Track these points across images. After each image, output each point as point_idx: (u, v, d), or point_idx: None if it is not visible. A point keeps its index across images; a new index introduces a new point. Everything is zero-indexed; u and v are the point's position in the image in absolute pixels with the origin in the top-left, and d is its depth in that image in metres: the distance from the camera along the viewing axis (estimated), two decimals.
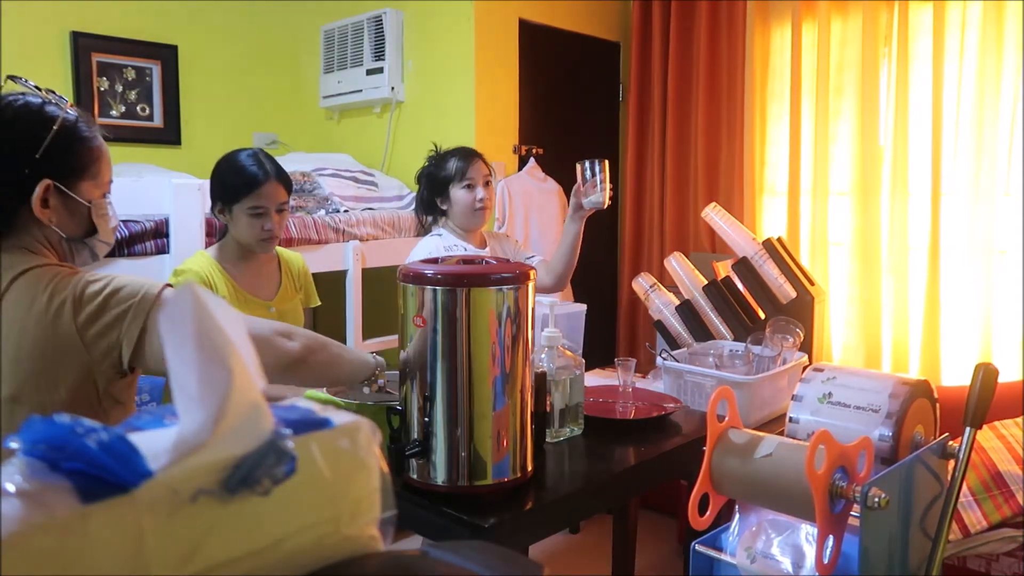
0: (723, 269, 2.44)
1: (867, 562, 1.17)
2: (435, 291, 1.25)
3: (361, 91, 3.39)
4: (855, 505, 1.16)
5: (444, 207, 2.44)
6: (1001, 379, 1.44)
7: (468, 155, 2.43)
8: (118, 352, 1.14)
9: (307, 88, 3.72)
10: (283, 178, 2.03)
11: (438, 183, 2.44)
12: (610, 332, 3.73)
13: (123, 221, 2.30)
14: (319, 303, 2.31)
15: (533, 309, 1.34)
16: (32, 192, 1.16)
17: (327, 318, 3.27)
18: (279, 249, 2.24)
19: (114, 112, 3.21)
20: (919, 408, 1.40)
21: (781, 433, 1.41)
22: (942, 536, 1.34)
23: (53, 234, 1.21)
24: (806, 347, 2.13)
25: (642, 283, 2.37)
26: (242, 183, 1.97)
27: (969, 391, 1.37)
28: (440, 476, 1.29)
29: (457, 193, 2.41)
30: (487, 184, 2.43)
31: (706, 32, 3.34)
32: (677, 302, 2.30)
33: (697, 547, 1.38)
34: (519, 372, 1.31)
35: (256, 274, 2.11)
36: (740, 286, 2.28)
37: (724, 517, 1.40)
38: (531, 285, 1.32)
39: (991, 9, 2.68)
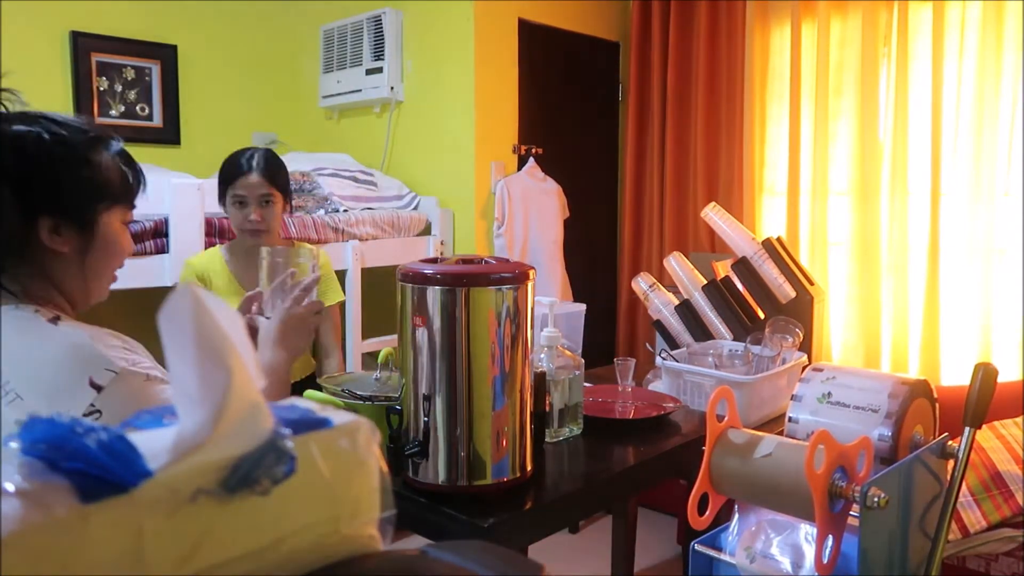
0: (722, 269, 2.44)
1: (866, 562, 1.17)
2: (434, 291, 1.25)
3: (360, 91, 3.39)
4: (854, 505, 1.16)
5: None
6: (1001, 379, 1.44)
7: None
8: None
9: (307, 88, 3.72)
10: (268, 172, 2.07)
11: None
12: (610, 332, 3.73)
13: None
14: (342, 298, 2.35)
15: (532, 309, 1.34)
16: None
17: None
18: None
19: (113, 112, 3.21)
20: (918, 408, 1.41)
21: (780, 433, 1.41)
22: (941, 536, 1.34)
23: None
24: (805, 347, 2.13)
25: (641, 283, 2.37)
26: (227, 173, 2.08)
27: (968, 391, 1.37)
28: (440, 476, 1.30)
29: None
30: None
31: (706, 32, 3.34)
32: (676, 302, 2.30)
33: (697, 547, 1.38)
34: (518, 372, 1.31)
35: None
36: (739, 286, 2.29)
37: (724, 517, 1.41)
38: (530, 285, 1.32)
39: (991, 9, 2.68)
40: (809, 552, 1.28)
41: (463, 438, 1.28)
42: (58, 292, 1.06)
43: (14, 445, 0.38)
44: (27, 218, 0.98)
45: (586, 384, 1.88)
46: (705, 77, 3.35)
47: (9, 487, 0.36)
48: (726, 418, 1.31)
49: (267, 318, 1.36)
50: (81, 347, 0.96)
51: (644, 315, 3.25)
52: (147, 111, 3.32)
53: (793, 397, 1.48)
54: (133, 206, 1.12)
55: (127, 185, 1.09)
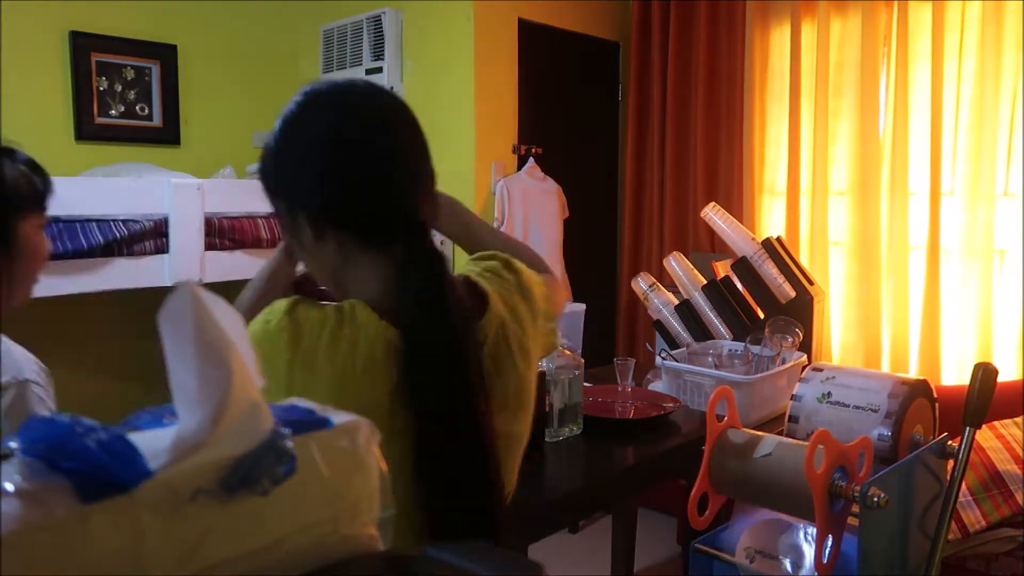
0: (722, 269, 2.44)
1: (866, 562, 1.17)
2: None
3: None
4: (854, 505, 1.16)
5: None
6: (1000, 379, 1.44)
7: None
8: None
9: None
10: None
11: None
12: (610, 332, 3.73)
13: (122, 221, 2.31)
14: None
15: None
16: None
17: None
18: None
19: (113, 112, 3.21)
20: (918, 408, 1.41)
21: (780, 433, 1.41)
22: (941, 536, 1.34)
23: None
24: (805, 347, 2.13)
25: (641, 283, 2.38)
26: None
27: (968, 391, 1.37)
28: None
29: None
30: None
31: (705, 32, 3.33)
32: (676, 302, 2.30)
33: (697, 546, 1.38)
34: None
35: None
36: (739, 286, 2.29)
37: (724, 517, 1.41)
38: None
39: (991, 9, 2.68)
40: (809, 552, 1.29)
41: None
42: None
43: (14, 445, 0.38)
44: None
45: (586, 384, 1.89)
46: (705, 77, 3.35)
47: (9, 487, 0.36)
48: (726, 418, 1.31)
49: None
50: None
51: (644, 315, 3.25)
52: (147, 111, 3.32)
53: (793, 397, 1.49)
54: (44, 209, 1.14)
55: (36, 192, 1.11)
